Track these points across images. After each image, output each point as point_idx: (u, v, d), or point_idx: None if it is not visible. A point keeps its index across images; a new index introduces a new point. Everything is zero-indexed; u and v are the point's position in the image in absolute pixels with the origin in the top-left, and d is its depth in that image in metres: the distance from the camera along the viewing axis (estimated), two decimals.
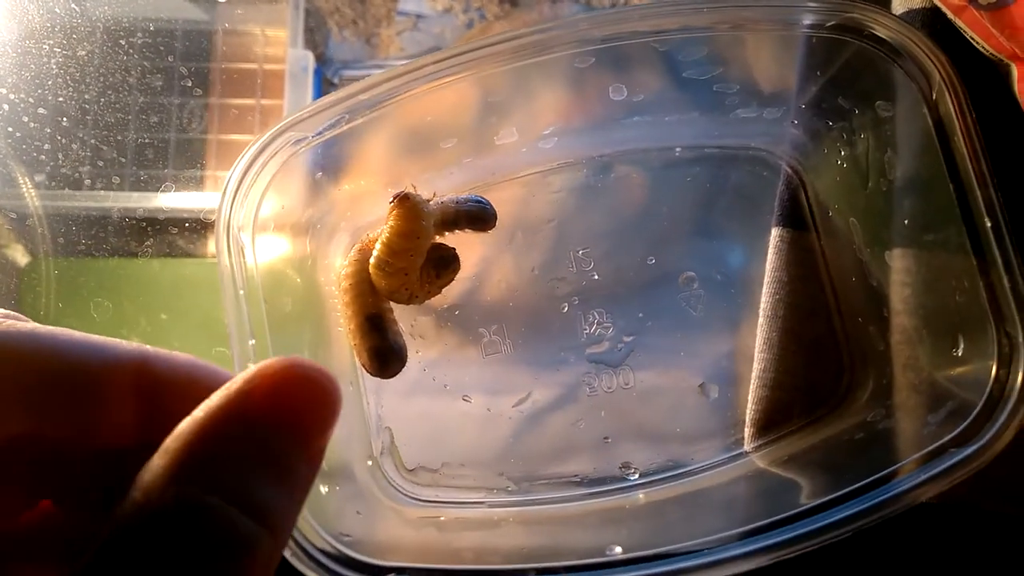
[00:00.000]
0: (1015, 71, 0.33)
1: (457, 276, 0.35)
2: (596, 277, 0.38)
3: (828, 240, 0.37)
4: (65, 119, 0.41)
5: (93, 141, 0.42)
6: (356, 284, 0.35)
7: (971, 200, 0.28)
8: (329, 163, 0.32)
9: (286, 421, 0.14)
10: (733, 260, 0.38)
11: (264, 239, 0.30)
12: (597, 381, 0.37)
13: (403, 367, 0.33)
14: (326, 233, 0.36)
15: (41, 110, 0.40)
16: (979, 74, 0.34)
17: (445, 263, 0.35)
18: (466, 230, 0.35)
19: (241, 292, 0.28)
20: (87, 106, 0.41)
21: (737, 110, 0.35)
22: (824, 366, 0.37)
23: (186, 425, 0.14)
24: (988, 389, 0.27)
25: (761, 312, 0.37)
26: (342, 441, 0.35)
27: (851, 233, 0.35)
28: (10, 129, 0.40)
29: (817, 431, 0.36)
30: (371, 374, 0.33)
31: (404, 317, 0.36)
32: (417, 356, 0.37)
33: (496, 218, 0.35)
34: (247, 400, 0.14)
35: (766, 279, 0.37)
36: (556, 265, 0.38)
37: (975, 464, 0.26)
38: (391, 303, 0.35)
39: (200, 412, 0.14)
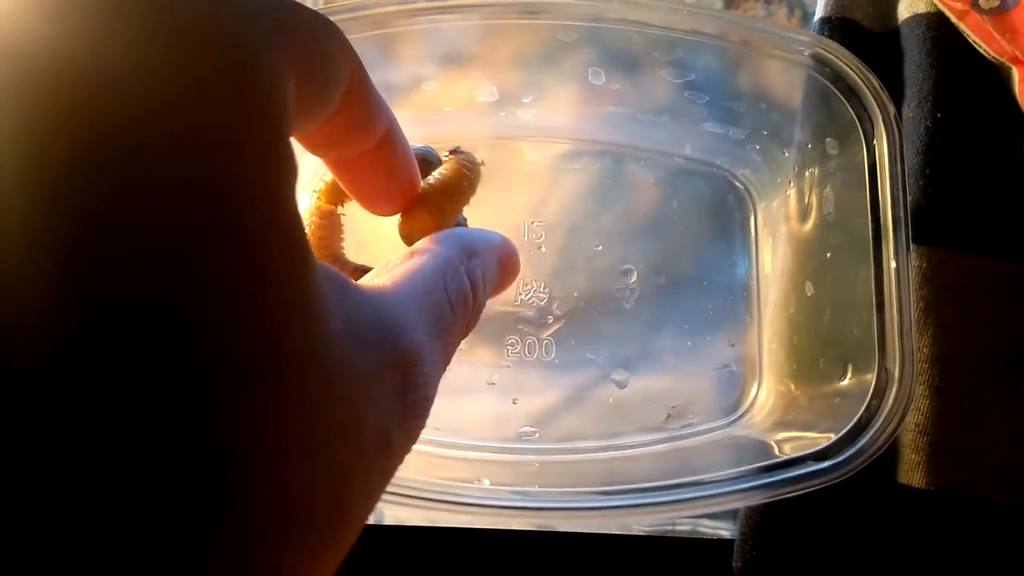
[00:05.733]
0: (1016, 74, 0.35)
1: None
2: (543, 250, 0.40)
3: (765, 266, 0.39)
4: None
5: None
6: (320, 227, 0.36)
7: (883, 241, 0.30)
8: None
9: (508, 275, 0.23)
10: (675, 265, 0.40)
11: None
12: (520, 345, 0.39)
13: None
14: None
15: None
16: (981, 77, 0.37)
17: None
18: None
19: None
20: None
21: (705, 123, 0.37)
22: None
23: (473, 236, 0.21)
24: (858, 416, 0.29)
25: None
26: None
27: (783, 262, 0.37)
28: None
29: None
30: None
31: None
32: None
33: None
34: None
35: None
36: (507, 230, 0.39)
37: (825, 478, 0.28)
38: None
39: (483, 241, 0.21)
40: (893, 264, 0.29)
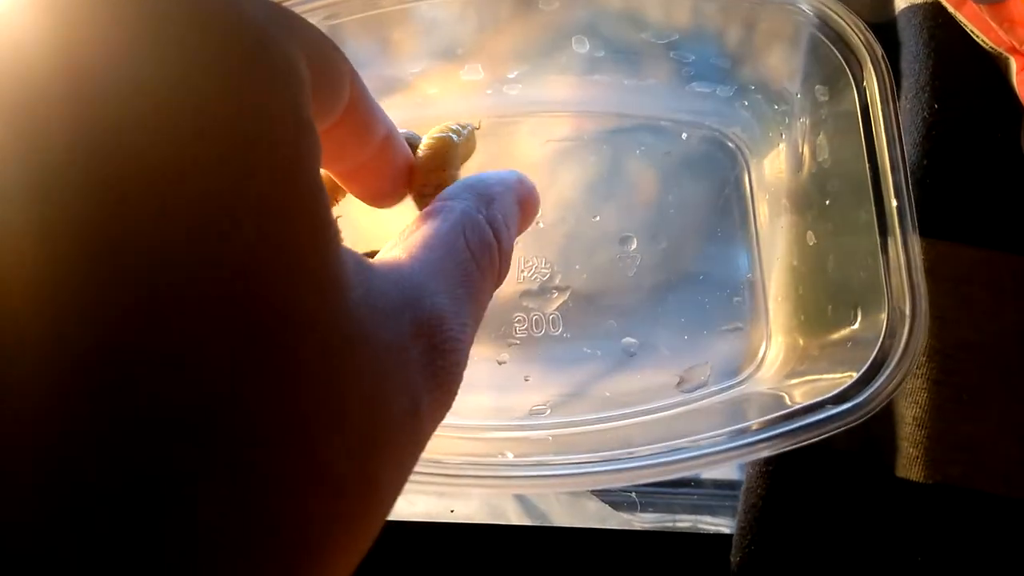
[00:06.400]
0: (1013, 64, 0.35)
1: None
2: (541, 226, 0.40)
3: (764, 221, 0.39)
4: None
5: None
6: None
7: (883, 182, 0.30)
8: None
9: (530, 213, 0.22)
10: (673, 229, 0.40)
11: None
12: (527, 322, 0.39)
13: None
14: None
15: None
16: (979, 67, 0.36)
17: None
18: None
19: None
20: None
21: (692, 83, 0.37)
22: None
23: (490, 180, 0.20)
24: (873, 356, 0.29)
25: None
26: None
27: (782, 216, 0.37)
28: None
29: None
30: None
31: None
32: None
33: None
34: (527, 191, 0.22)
35: None
36: None
37: (846, 421, 0.28)
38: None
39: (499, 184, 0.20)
40: (894, 203, 0.29)
